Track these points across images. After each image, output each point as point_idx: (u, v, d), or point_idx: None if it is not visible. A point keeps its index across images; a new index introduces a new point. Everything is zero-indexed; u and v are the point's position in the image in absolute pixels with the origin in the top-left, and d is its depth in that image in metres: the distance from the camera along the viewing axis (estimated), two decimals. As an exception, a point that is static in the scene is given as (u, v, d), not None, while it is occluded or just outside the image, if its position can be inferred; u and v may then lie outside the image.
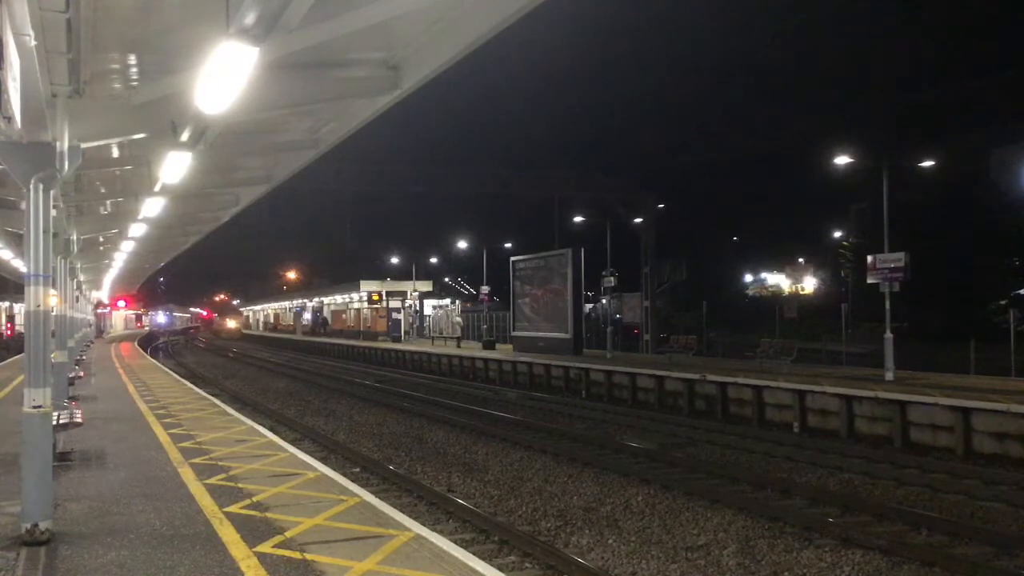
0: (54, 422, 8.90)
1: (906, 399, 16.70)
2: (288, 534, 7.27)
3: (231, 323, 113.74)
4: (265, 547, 6.89)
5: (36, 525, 7.04)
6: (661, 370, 24.01)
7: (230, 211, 22.67)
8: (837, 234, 62.24)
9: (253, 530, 7.40)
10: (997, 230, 42.46)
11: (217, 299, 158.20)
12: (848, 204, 56.43)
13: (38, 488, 7.11)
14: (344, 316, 72.20)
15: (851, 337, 30.62)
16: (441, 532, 8.90)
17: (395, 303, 58.58)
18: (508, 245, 56.41)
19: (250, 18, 5.24)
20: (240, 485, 9.28)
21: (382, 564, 6.47)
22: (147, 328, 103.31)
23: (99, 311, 62.03)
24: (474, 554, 7.15)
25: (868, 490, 12.81)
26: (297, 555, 6.67)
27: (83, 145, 8.00)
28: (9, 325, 60.25)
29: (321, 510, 8.12)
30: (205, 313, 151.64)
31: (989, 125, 51.16)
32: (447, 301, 61.60)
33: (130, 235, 21.89)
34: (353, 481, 10.28)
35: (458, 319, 46.52)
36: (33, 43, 5.76)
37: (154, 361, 37.40)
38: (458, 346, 42.02)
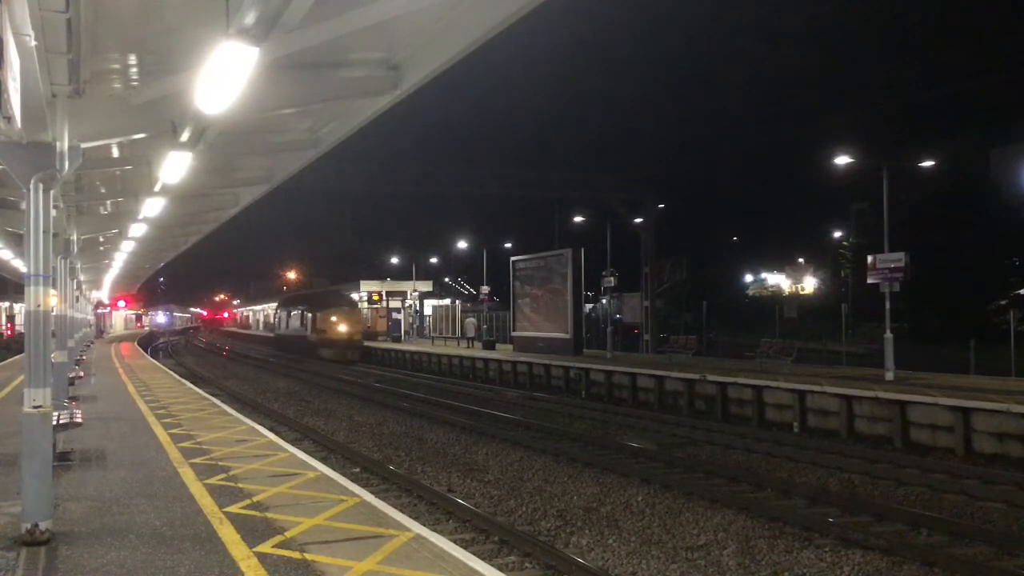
0: (54, 422, 8.90)
1: (906, 399, 16.71)
2: (288, 534, 7.27)
3: (342, 327, 48.17)
4: (265, 547, 6.89)
5: (36, 525, 7.04)
6: (661, 370, 24.01)
7: (230, 211, 22.65)
8: (837, 234, 62.36)
9: (253, 530, 7.40)
10: (997, 230, 42.50)
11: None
12: (848, 204, 56.54)
13: (38, 488, 7.12)
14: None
15: (851, 337, 30.67)
16: (441, 532, 8.90)
17: (395, 303, 58.60)
18: (508, 245, 56.47)
19: (250, 18, 5.25)
20: (240, 485, 9.28)
21: (382, 564, 6.47)
22: (147, 328, 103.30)
23: (99, 311, 62.05)
24: (474, 554, 7.15)
25: (868, 490, 12.81)
26: (297, 555, 6.67)
27: (83, 145, 8.00)
28: (9, 325, 60.33)
29: (321, 510, 8.12)
30: (205, 313, 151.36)
31: (989, 125, 51.22)
32: (447, 301, 61.63)
33: (130, 235, 21.88)
34: (353, 481, 10.28)
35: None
36: (33, 43, 5.76)
37: (154, 361, 37.39)
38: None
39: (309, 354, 47.98)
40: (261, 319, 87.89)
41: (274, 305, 68.35)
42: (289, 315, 57.53)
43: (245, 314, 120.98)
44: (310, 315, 50.42)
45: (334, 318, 48.25)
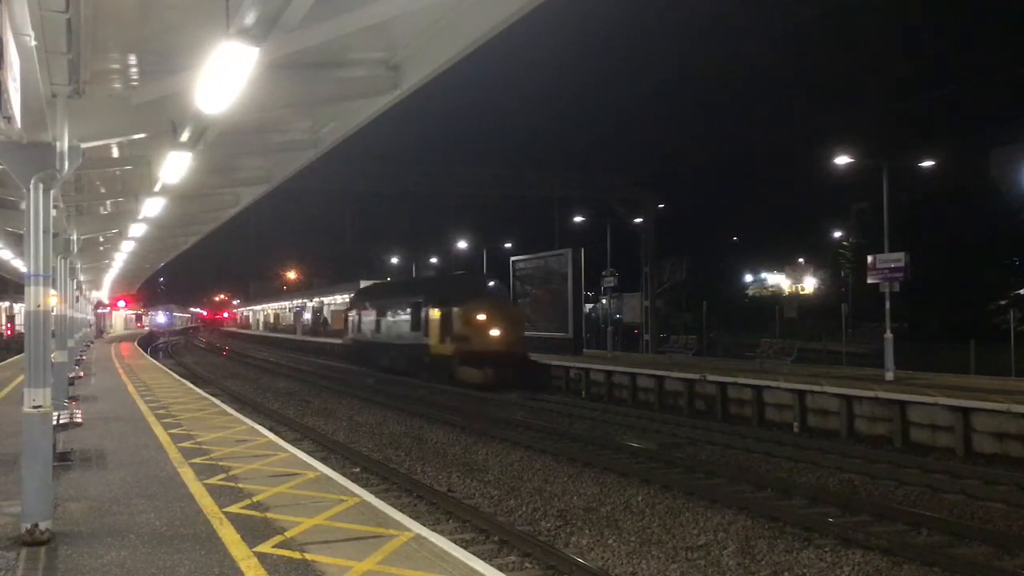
0: (54, 422, 8.90)
1: (906, 399, 16.71)
2: (288, 534, 7.27)
3: (497, 330, 28.87)
4: (265, 547, 6.89)
5: (36, 525, 7.04)
6: (661, 370, 24.00)
7: (230, 211, 22.65)
8: (837, 234, 62.34)
9: (253, 530, 7.40)
10: (997, 230, 42.48)
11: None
12: (848, 204, 56.55)
13: (38, 488, 7.12)
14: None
15: (851, 337, 30.67)
16: (441, 532, 8.90)
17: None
18: (508, 245, 56.40)
19: (250, 18, 5.24)
20: (240, 485, 9.28)
21: (382, 564, 6.47)
22: (147, 328, 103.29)
23: (99, 311, 62.03)
24: (474, 554, 7.15)
25: (868, 490, 12.81)
26: (297, 555, 6.67)
27: (83, 145, 8.00)
28: (9, 325, 60.33)
29: (321, 510, 8.12)
30: (205, 313, 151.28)
31: (989, 125, 51.27)
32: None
33: (130, 235, 21.87)
34: (353, 481, 10.28)
35: None
36: (33, 43, 5.76)
37: (154, 361, 37.39)
38: None
39: (432, 373, 31.55)
40: (297, 317, 72.97)
41: (335, 299, 51.31)
42: (386, 314, 38.15)
43: (245, 314, 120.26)
44: (437, 313, 31.57)
45: (482, 316, 29.50)
